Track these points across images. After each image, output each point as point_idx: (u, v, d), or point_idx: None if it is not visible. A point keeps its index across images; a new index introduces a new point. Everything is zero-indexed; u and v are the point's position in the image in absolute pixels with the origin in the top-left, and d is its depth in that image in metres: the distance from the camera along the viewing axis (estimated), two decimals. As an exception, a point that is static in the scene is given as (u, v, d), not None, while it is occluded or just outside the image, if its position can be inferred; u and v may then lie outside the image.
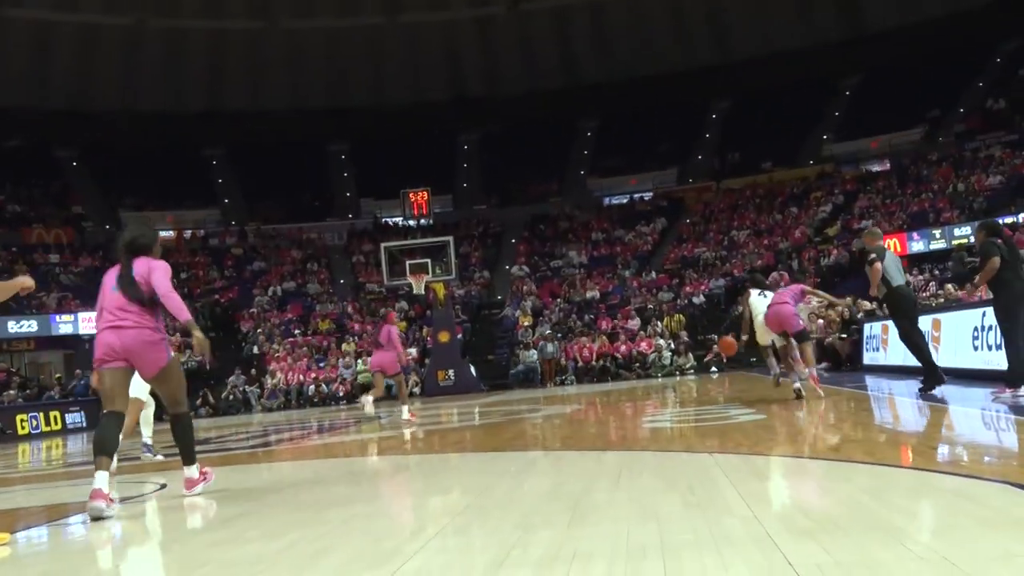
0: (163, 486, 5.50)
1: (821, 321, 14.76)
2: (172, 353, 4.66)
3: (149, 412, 7.87)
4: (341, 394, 20.78)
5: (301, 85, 33.66)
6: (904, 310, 7.60)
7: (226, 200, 35.43)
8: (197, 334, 4.61)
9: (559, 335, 21.97)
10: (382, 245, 21.54)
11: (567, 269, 27.57)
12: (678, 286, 24.27)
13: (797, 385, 8.24)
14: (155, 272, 4.61)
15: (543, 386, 20.23)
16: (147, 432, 7.84)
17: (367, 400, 11.04)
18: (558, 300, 24.76)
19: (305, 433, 10.66)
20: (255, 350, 23.32)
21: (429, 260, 20.48)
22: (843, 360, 13.40)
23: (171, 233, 32.00)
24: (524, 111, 34.04)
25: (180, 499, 4.78)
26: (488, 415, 10.93)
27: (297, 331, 24.36)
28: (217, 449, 8.85)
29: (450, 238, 21.13)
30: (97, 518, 4.14)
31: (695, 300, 23.02)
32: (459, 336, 22.09)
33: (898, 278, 7.67)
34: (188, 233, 32.48)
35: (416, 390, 20.50)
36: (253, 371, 21.56)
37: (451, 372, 20.02)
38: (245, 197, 35.45)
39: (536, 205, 33.84)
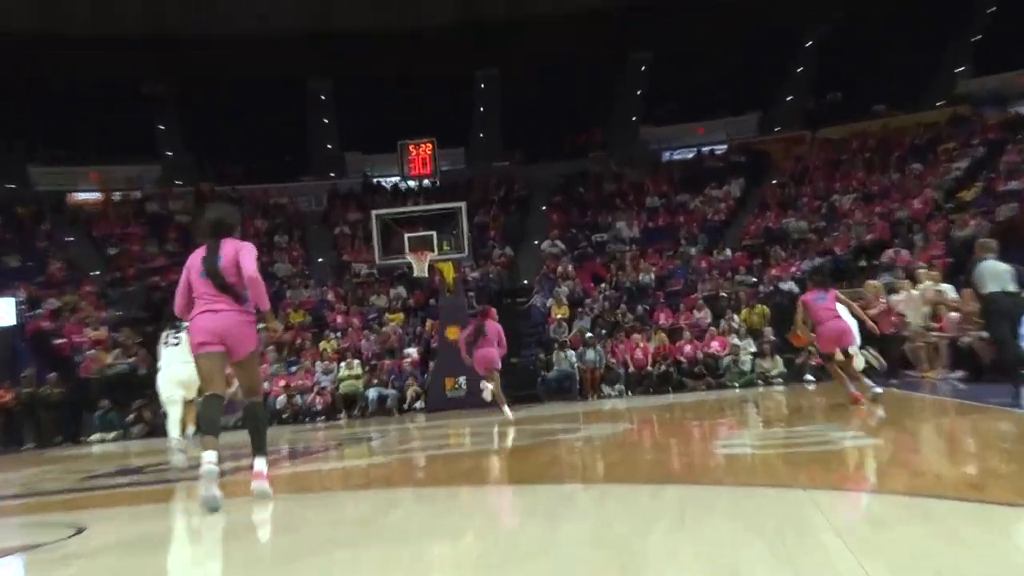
0: (80, 531, 5.51)
1: (955, 315, 14.50)
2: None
3: (178, 411, 9.90)
4: (319, 407, 20.86)
5: (271, 2, 33.72)
6: (991, 316, 9.85)
7: (169, 153, 35.76)
8: (273, 324, 6.28)
9: (604, 331, 21.93)
10: (373, 213, 21.55)
11: (614, 245, 27.51)
12: (761, 268, 24.13)
13: (877, 390, 10.27)
14: (243, 253, 6.07)
15: (583, 398, 20.24)
16: (176, 433, 9.78)
17: (487, 387, 13.22)
18: (602, 286, 24.72)
19: (272, 458, 10.71)
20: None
21: (434, 233, 20.49)
22: (986, 366, 13.14)
23: (95, 195, 32.31)
24: (557, 39, 33.88)
25: (100, 550, 4.84)
26: (511, 436, 10.94)
27: (261, 325, 24.51)
28: (150, 481, 8.90)
29: (462, 204, 21.09)
30: (214, 508, 5.58)
31: (783, 286, 22.85)
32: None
33: (991, 285, 9.59)
34: (118, 195, 32.79)
35: (418, 404, 20.55)
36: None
37: (462, 380, 20.02)
38: (195, 149, 35.75)
39: (573, 161, 33.80)
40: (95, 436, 19.88)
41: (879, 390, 10.61)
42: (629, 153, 34.01)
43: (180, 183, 34.45)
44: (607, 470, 6.75)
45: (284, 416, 20.65)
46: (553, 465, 7.28)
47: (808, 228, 25.74)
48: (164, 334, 10.73)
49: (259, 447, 6.17)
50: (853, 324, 11.02)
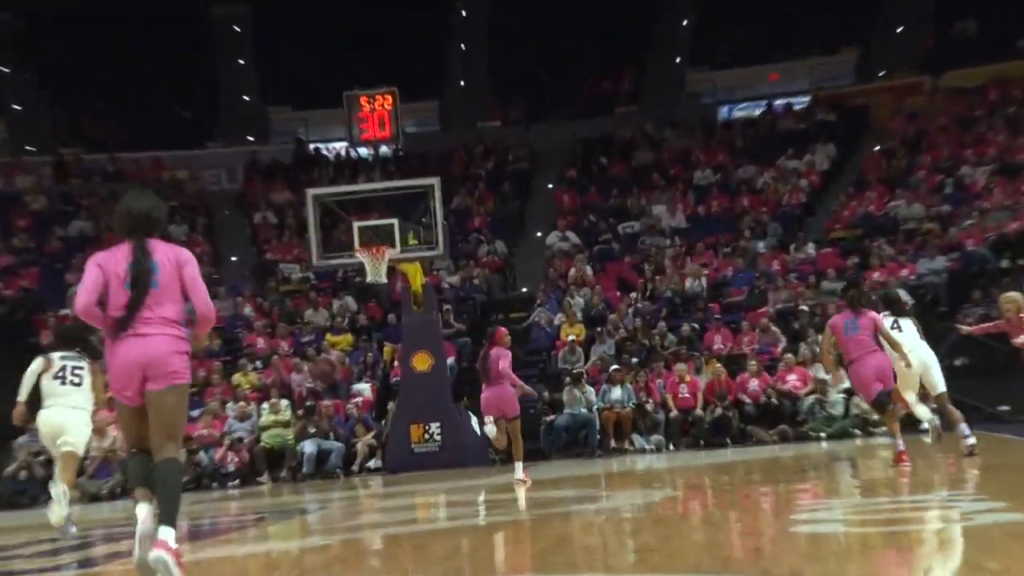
0: None
1: None
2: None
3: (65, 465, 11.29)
4: (231, 467, 20.84)
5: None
6: None
7: (17, 107, 35.70)
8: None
9: (634, 360, 21.93)
10: (309, 193, 21.57)
11: (649, 238, 27.55)
12: (858, 269, 24.17)
13: (971, 440, 11.65)
14: (189, 269, 6.54)
15: (604, 452, 20.21)
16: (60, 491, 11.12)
17: (489, 429, 13.69)
18: (633, 296, 24.75)
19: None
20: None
21: (396, 221, 20.51)
22: None
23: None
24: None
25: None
26: (503, 508, 10.93)
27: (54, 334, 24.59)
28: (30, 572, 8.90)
29: (434, 181, 21.08)
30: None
31: (892, 295, 22.87)
32: (450, 361, 22.12)
33: None
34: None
35: (372, 462, 20.52)
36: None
37: (434, 428, 20.05)
38: (55, 103, 35.72)
39: (593, 121, 33.90)
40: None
41: (972, 440, 11.77)
42: (671, 108, 34.11)
43: (32, 150, 34.43)
44: (639, 556, 6.73)
45: (183, 479, 20.64)
46: (560, 549, 7.26)
47: (926, 214, 25.79)
48: (59, 366, 11.56)
49: (167, 514, 6.24)
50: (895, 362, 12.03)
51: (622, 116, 34.03)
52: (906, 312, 13.07)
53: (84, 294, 6.58)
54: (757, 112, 33.52)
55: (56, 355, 11.78)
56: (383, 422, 21.25)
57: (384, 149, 24.67)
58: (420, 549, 8.01)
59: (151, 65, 35.23)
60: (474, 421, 20.80)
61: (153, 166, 33.27)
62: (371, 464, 20.48)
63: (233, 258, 30.65)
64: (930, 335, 13.45)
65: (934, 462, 12.23)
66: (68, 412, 11.40)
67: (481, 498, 12.92)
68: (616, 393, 20.72)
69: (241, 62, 37.81)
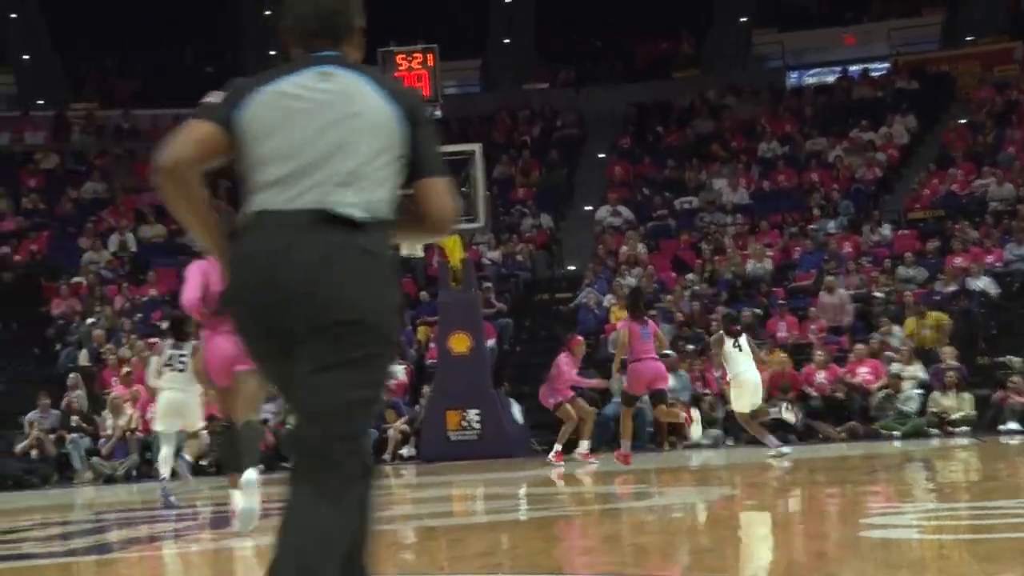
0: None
1: None
2: None
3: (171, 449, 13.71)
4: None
5: None
6: None
7: (24, 57, 35.92)
8: None
9: (691, 347, 21.91)
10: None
11: (709, 215, 27.45)
12: (939, 255, 24.02)
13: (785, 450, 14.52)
14: None
15: (657, 446, 20.28)
16: (167, 472, 13.44)
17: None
18: (689, 277, 24.69)
19: (187, 526, 10.85)
20: (81, 359, 23.75)
21: (433, 190, 20.61)
22: None
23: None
24: None
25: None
26: (546, 503, 11.00)
27: (166, 324, 24.72)
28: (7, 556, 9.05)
29: (476, 148, 21.11)
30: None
31: (974, 285, 22.75)
32: (490, 343, 22.16)
33: None
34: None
35: (406, 450, 20.61)
36: (77, 400, 21.97)
37: (473, 414, 20.08)
38: (64, 51, 35.91)
39: (649, 85, 33.77)
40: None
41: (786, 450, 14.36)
42: (735, 73, 33.90)
43: (40, 103, 34.64)
44: (693, 559, 6.78)
45: (203, 463, 20.84)
46: (607, 548, 7.32)
47: (1016, 195, 25.60)
48: (167, 354, 13.73)
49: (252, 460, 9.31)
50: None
51: (681, 80, 33.84)
52: (741, 332, 15.66)
53: (190, 291, 9.09)
54: (830, 79, 33.28)
55: (167, 344, 14.00)
56: (417, 407, 21.31)
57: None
58: (457, 544, 8.09)
59: (171, 13, 35.40)
60: (515, 408, 20.87)
61: (173, 124, 33.34)
62: (404, 452, 20.52)
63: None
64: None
65: (1016, 467, 12.21)
66: (183, 395, 13.42)
67: (523, 491, 13.00)
68: (670, 383, 20.72)
69: (267, 13, 37.78)
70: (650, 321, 16.17)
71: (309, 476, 3.46)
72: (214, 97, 4.07)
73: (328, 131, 3.65)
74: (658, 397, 15.73)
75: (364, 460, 3.57)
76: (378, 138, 3.67)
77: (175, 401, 13.46)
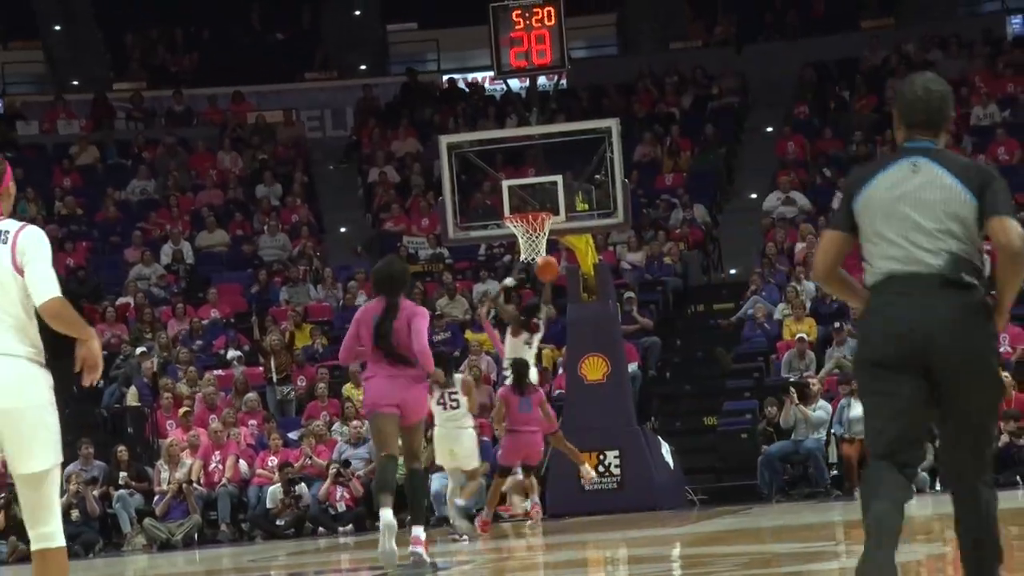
0: None
1: None
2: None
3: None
4: (341, 508, 21.18)
5: None
6: None
7: (56, 28, 36.53)
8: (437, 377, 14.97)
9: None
10: (442, 141, 21.76)
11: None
12: None
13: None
14: (417, 321, 11.74)
15: (843, 493, 20.16)
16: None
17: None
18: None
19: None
20: (130, 397, 24.01)
21: (559, 179, 20.57)
22: None
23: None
24: None
25: None
26: (706, 566, 10.95)
27: (233, 352, 25.00)
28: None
29: (612, 123, 21.12)
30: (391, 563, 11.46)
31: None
32: (632, 368, 22.12)
33: None
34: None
35: (527, 504, 20.63)
36: (124, 449, 22.20)
37: (612, 457, 20.06)
38: (106, 24, 36.50)
39: (830, 39, 33.46)
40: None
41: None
42: (941, 21, 33.50)
43: (75, 84, 35.15)
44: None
45: (278, 523, 21.05)
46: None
47: None
48: (436, 393, 16.37)
49: (416, 516, 11.79)
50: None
51: (871, 32, 33.52)
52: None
53: (343, 351, 12.60)
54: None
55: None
56: (541, 449, 21.34)
57: (543, 80, 24.63)
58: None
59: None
60: (665, 449, 20.78)
61: (235, 106, 33.77)
62: (524, 505, 20.45)
63: (341, 228, 31.03)
64: None
65: None
66: (457, 432, 16.76)
67: (676, 552, 12.94)
68: (859, 411, 20.49)
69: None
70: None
71: (965, 477, 5.73)
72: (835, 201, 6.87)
73: (922, 211, 5.64)
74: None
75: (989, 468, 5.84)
76: (952, 215, 5.62)
77: (448, 439, 16.67)
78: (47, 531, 6.66)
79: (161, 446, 22.14)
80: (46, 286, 6.62)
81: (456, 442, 16.70)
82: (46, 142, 32.75)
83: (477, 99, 33.38)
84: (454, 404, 16.46)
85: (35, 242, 6.62)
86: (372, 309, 11.82)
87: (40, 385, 6.59)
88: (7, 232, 6.59)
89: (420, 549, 11.51)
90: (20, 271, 6.55)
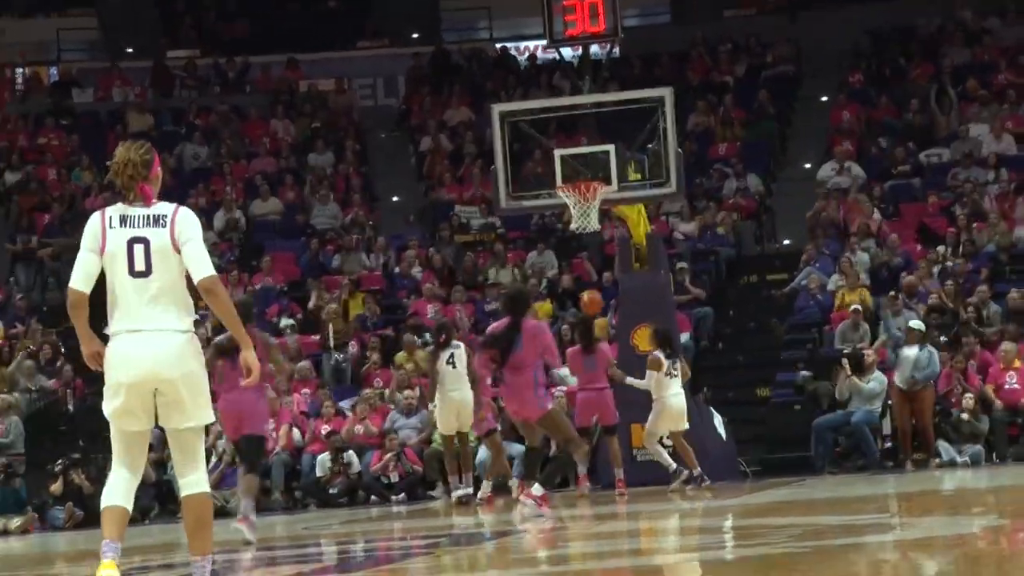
0: None
1: None
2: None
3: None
4: (395, 478, 21.27)
5: None
6: None
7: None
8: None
9: (942, 338, 21.60)
10: (494, 110, 21.76)
11: (964, 170, 27.01)
12: None
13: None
14: (539, 336, 14.69)
15: (900, 467, 20.17)
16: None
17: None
18: (940, 250, 24.36)
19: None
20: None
21: (611, 148, 20.56)
22: None
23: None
24: None
25: None
26: (759, 537, 10.99)
27: (286, 320, 25.15)
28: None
29: (666, 92, 21.07)
30: None
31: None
32: (685, 338, 22.10)
33: None
34: (17, 73, 34.16)
35: (580, 469, 20.64)
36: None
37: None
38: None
39: (885, 5, 33.26)
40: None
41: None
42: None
43: (130, 51, 35.30)
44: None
45: (331, 491, 21.18)
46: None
47: None
48: (447, 351, 18.07)
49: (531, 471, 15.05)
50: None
51: (922, 2, 33.35)
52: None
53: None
54: None
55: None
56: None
57: (595, 49, 24.57)
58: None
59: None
60: (717, 420, 20.78)
61: (288, 73, 33.83)
62: (579, 471, 20.41)
63: (394, 198, 31.09)
64: None
65: None
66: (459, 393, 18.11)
67: (728, 523, 12.97)
68: (921, 373, 20.41)
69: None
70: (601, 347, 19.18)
71: None
72: None
73: None
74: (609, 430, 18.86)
75: None
76: None
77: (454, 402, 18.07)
78: (192, 479, 7.51)
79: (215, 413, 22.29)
80: (201, 264, 7.30)
81: (462, 405, 17.85)
82: (100, 109, 32.92)
83: (530, 67, 33.37)
84: (451, 364, 17.86)
85: (191, 224, 7.35)
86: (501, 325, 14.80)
87: (195, 356, 7.36)
88: (164, 216, 7.34)
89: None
90: (178, 250, 7.25)
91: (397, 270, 26.77)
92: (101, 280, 7.30)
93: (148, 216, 7.28)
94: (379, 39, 36.21)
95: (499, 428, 18.78)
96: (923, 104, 29.01)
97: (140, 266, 7.18)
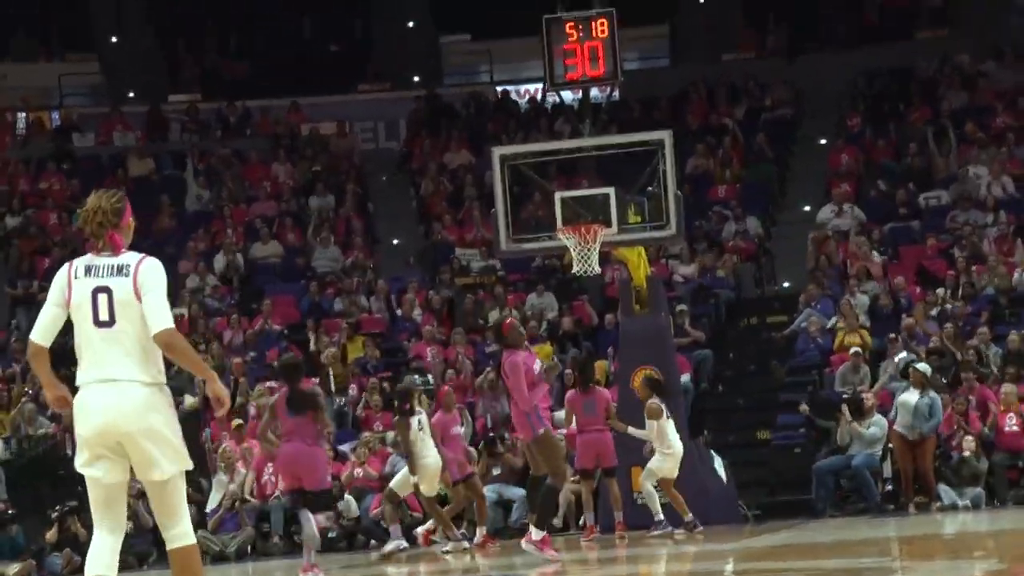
0: None
1: None
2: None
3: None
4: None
5: None
6: None
7: (113, 39, 36.75)
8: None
9: (941, 379, 21.55)
10: (495, 152, 21.78)
11: (963, 213, 27.00)
12: None
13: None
14: (512, 376, 15.06)
15: (900, 510, 20.09)
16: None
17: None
18: (939, 293, 24.35)
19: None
20: (187, 405, 24.09)
21: (611, 191, 20.57)
22: None
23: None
24: None
25: None
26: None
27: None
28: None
29: (665, 134, 21.12)
30: None
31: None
32: (685, 380, 22.07)
33: None
34: (19, 118, 34.14)
35: (587, 518, 20.56)
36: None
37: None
38: (161, 32, 36.70)
39: (883, 49, 33.37)
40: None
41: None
42: (996, 30, 33.34)
43: (131, 95, 35.38)
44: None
45: (329, 535, 21.03)
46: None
47: None
48: (415, 418, 17.61)
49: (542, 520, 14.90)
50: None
51: (925, 42, 33.38)
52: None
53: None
54: None
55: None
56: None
57: (596, 92, 24.59)
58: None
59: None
60: (718, 462, 20.73)
61: (289, 116, 33.87)
62: (584, 520, 20.29)
63: (394, 240, 31.09)
64: None
65: None
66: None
67: (729, 567, 12.95)
68: (911, 398, 20.35)
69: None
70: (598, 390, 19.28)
71: None
72: None
73: None
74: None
75: None
76: None
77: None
78: (176, 532, 7.32)
79: (215, 458, 22.18)
80: (158, 317, 7.19)
81: (437, 469, 17.68)
82: (101, 153, 32.99)
83: (530, 111, 33.42)
84: (421, 430, 17.54)
85: (153, 275, 7.24)
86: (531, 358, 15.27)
87: (160, 407, 7.22)
88: (128, 265, 7.21)
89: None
90: (140, 301, 7.16)
91: (399, 312, 26.74)
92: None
93: (112, 266, 7.21)
94: (380, 82, 36.27)
95: (475, 472, 18.85)
96: (921, 147, 29.06)
97: (104, 316, 7.13)
